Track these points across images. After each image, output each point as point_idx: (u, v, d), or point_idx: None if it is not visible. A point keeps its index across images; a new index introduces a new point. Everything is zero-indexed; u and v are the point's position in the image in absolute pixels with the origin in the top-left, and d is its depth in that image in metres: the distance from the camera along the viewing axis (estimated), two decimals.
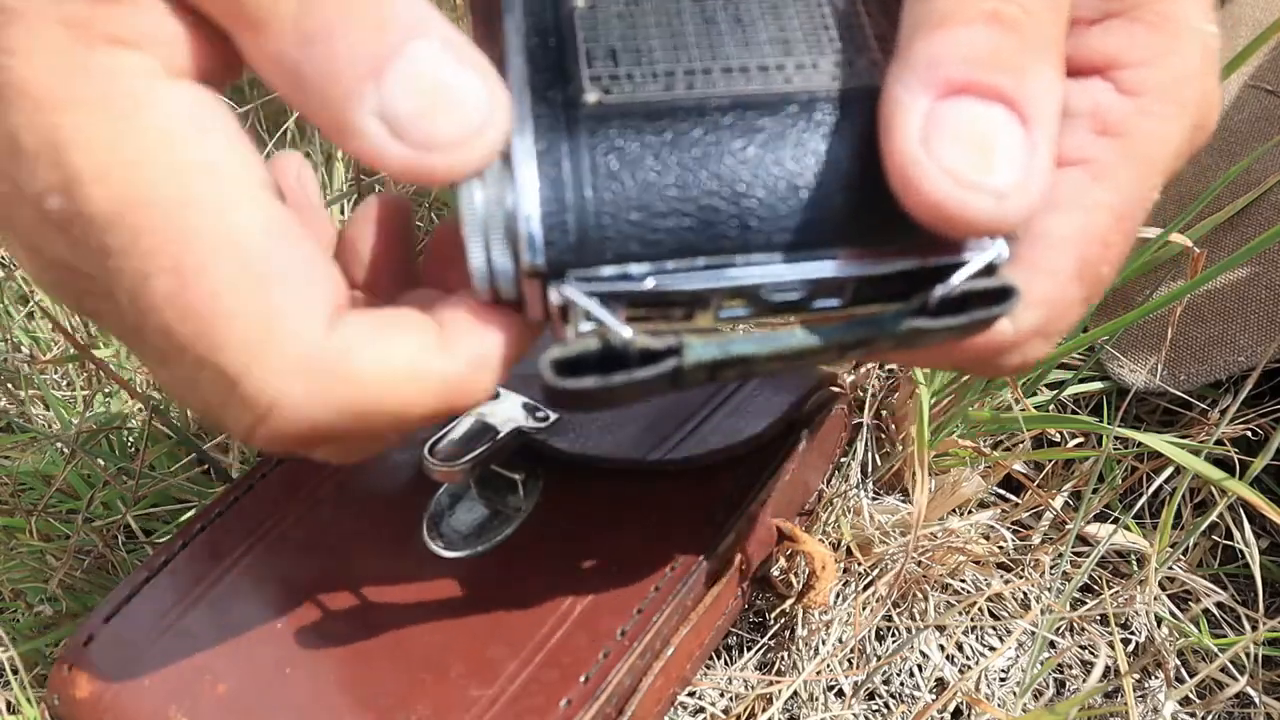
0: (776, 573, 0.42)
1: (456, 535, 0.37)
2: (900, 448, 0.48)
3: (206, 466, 0.50)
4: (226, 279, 0.19)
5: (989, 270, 0.20)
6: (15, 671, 0.43)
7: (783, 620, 0.44)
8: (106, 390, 0.52)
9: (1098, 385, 0.50)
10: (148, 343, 0.20)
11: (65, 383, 0.55)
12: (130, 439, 0.51)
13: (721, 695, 0.42)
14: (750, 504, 0.37)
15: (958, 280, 0.19)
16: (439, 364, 0.20)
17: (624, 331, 0.19)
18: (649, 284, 0.19)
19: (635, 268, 0.19)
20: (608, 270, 0.19)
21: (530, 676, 0.32)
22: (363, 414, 0.20)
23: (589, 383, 0.19)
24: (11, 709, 0.41)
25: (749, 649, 0.44)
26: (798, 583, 0.43)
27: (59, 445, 0.50)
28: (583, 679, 0.32)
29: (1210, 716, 0.42)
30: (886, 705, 0.42)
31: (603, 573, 0.35)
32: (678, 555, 0.36)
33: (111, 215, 0.18)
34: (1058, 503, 0.47)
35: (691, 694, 0.42)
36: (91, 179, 0.18)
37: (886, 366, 0.53)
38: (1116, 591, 0.45)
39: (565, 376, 0.19)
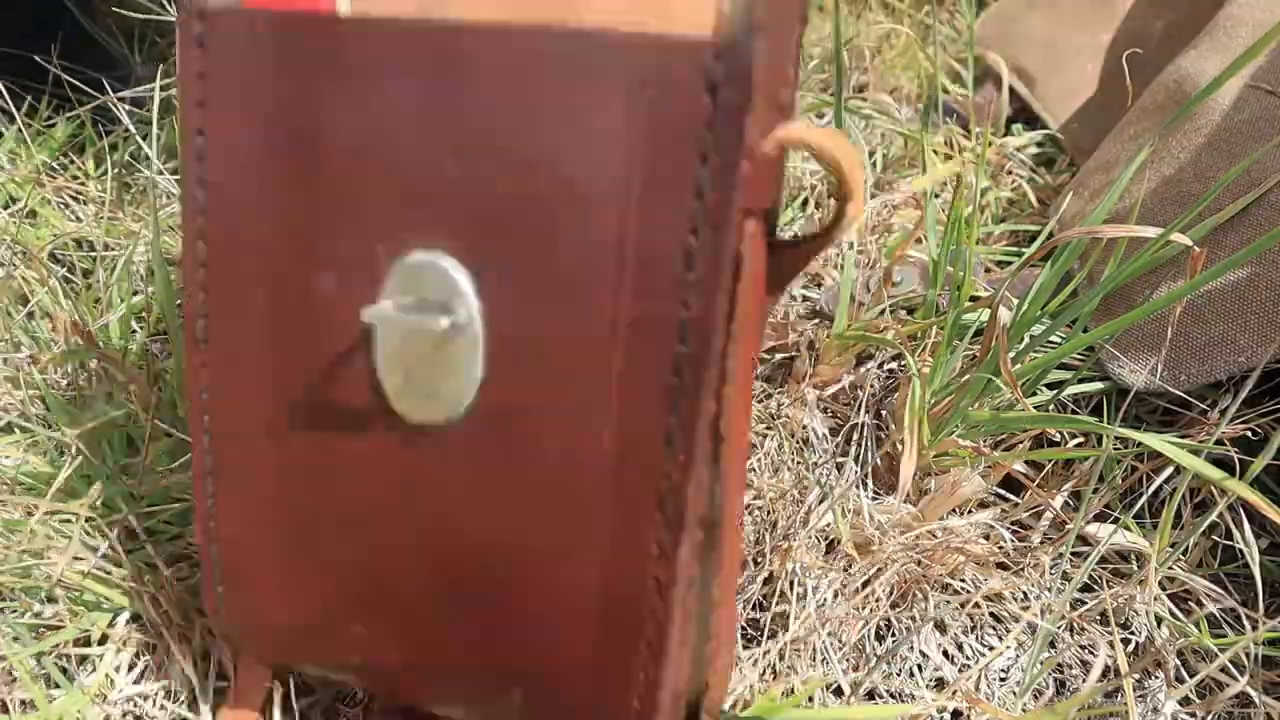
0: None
1: None
2: (900, 448, 0.48)
3: None
4: None
5: None
6: (13, 672, 0.43)
7: (782, 621, 0.44)
8: (107, 390, 0.52)
9: (1098, 385, 0.50)
10: None
11: (65, 383, 0.55)
12: (131, 437, 0.51)
13: None
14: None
15: None
16: None
17: None
18: None
19: None
20: None
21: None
22: None
23: None
24: (11, 709, 0.41)
25: (749, 649, 0.44)
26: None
27: (59, 445, 0.50)
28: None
29: (1210, 716, 0.42)
30: (886, 705, 0.42)
31: None
32: None
33: None
34: (1058, 503, 0.47)
35: None
36: None
37: (886, 367, 0.53)
38: (1116, 591, 0.45)
39: None
